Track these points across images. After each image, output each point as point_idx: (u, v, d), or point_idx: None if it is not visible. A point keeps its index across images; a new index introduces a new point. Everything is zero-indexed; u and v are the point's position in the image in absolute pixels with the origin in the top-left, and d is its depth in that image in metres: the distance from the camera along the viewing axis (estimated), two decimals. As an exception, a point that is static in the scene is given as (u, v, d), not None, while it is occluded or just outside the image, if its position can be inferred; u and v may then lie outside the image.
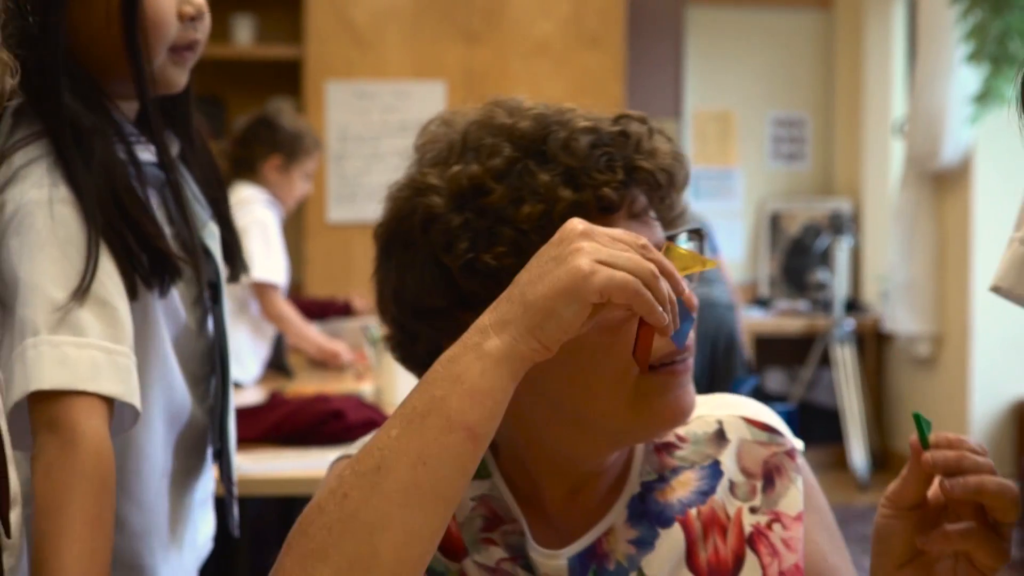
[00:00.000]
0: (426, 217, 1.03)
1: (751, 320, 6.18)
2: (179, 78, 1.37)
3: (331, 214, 5.45)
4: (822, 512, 1.11)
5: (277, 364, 3.79)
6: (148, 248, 1.26)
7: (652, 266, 0.88)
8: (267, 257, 3.56)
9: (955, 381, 5.50)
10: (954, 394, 5.50)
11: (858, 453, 5.91)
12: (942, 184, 5.61)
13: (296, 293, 3.84)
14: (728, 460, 1.10)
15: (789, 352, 6.49)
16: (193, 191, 1.41)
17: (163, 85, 1.35)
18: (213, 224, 1.43)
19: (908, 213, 5.70)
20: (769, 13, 6.90)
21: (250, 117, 3.88)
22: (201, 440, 1.45)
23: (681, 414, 1.02)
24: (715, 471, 1.09)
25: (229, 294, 1.51)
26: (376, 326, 3.23)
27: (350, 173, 5.44)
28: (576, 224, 0.90)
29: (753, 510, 1.08)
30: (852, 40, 6.79)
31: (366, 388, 3.26)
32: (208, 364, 1.43)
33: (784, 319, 6.42)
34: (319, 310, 4.24)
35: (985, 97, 5.05)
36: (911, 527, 0.92)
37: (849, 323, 6.15)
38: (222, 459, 1.47)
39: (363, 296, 4.46)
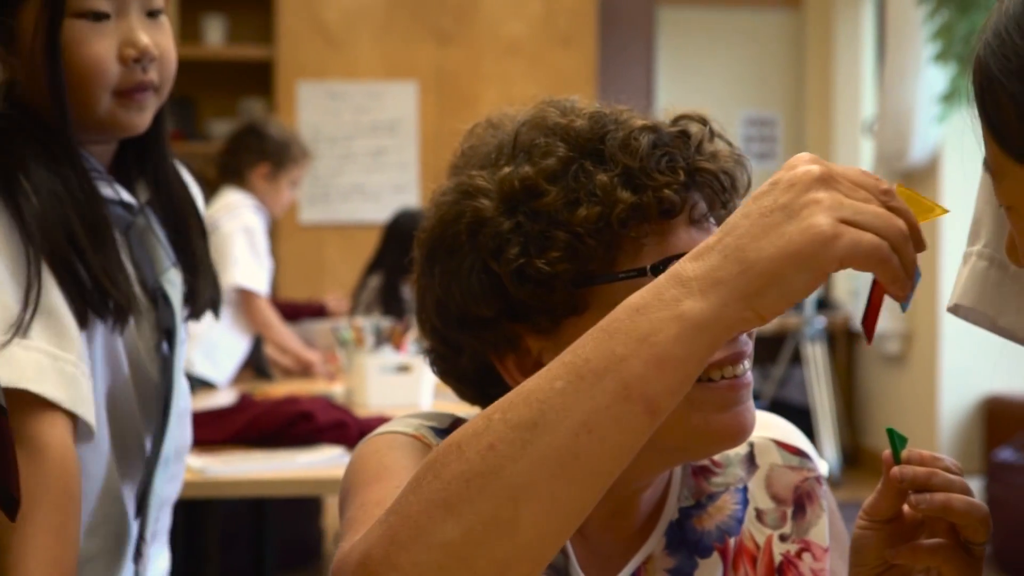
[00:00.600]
0: (474, 221, 0.96)
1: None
2: (134, 120, 1.32)
3: (303, 215, 5.45)
4: (840, 539, 1.09)
5: (257, 366, 3.79)
6: (98, 284, 1.25)
7: (902, 225, 0.76)
8: (252, 264, 3.56)
9: (924, 378, 5.54)
10: (923, 391, 5.54)
11: (829, 450, 5.95)
12: (911, 182, 5.65)
13: (270, 295, 3.86)
14: (756, 488, 1.07)
15: (760, 350, 6.49)
16: (159, 237, 1.39)
17: (116, 129, 1.32)
18: (175, 272, 1.40)
19: (878, 211, 5.74)
20: (740, 13, 6.93)
21: (238, 125, 3.88)
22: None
23: (741, 432, 0.95)
24: (745, 497, 1.06)
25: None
26: (347, 327, 3.24)
27: (322, 174, 5.43)
28: (810, 163, 0.77)
29: (783, 538, 1.05)
30: (822, 40, 6.83)
31: (336, 390, 3.26)
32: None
33: (756, 317, 6.44)
34: (293, 312, 4.24)
35: (952, 96, 5.09)
36: (886, 540, 0.91)
37: (820, 321, 6.19)
38: (142, 515, 1.35)
39: (337, 298, 4.46)
